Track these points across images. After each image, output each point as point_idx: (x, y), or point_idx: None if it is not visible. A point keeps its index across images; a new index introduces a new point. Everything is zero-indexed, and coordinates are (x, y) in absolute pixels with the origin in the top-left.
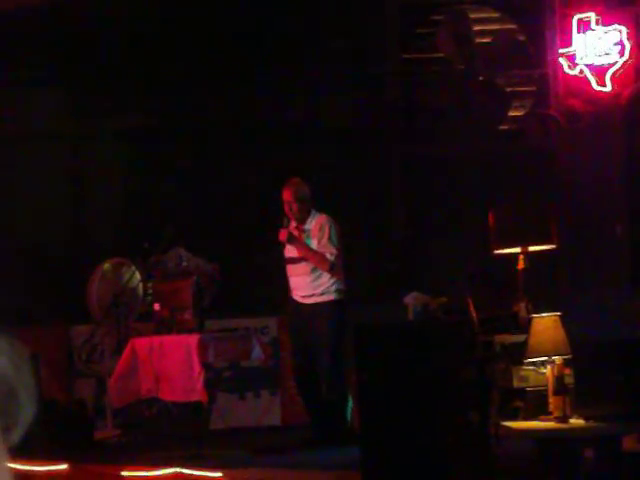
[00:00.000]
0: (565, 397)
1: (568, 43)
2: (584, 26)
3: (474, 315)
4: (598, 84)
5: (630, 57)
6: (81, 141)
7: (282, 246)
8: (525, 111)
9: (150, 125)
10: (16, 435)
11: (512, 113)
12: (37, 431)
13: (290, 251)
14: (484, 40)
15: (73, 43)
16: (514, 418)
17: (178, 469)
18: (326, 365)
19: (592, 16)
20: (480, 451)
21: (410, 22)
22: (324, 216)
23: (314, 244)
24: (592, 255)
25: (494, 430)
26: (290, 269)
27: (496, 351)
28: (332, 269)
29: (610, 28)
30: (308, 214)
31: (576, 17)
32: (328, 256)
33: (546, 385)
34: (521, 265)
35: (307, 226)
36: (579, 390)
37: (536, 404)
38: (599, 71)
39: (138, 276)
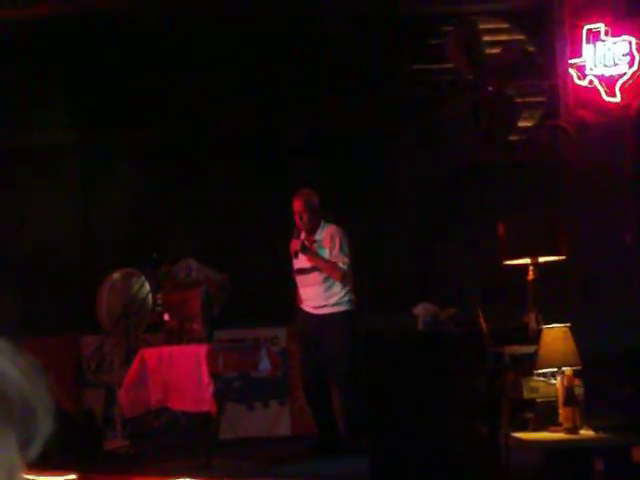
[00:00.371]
0: (575, 408)
1: (578, 54)
2: (593, 37)
3: (484, 326)
4: (608, 95)
5: (639, 68)
6: (92, 152)
7: (294, 256)
8: (535, 122)
9: (162, 137)
10: (34, 451)
11: (522, 124)
12: (47, 442)
13: (300, 262)
14: (494, 51)
15: (82, 55)
16: (524, 429)
17: (187, 479)
18: (341, 376)
19: (601, 27)
20: (490, 462)
21: (420, 33)
22: (334, 227)
23: (326, 254)
24: (602, 266)
25: (504, 441)
26: (300, 280)
27: (506, 362)
28: (344, 278)
29: (619, 39)
30: (318, 225)
31: (585, 28)
32: (341, 265)
33: (556, 396)
34: (531, 276)
35: (317, 237)
36: (589, 401)
37: (546, 415)
38: (609, 82)
39: (148, 286)
